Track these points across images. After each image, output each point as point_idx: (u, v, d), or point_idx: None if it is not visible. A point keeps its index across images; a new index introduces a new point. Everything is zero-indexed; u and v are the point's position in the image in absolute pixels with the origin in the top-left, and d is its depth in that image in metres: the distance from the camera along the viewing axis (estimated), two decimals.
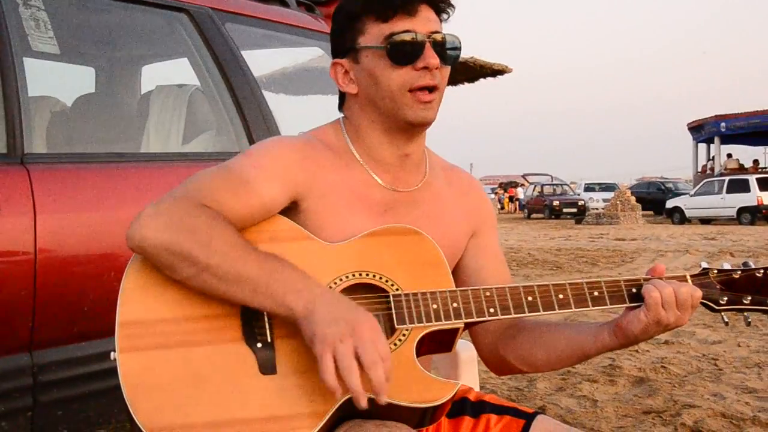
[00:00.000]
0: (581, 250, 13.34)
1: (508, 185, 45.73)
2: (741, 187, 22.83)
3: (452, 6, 1.37)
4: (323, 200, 1.34)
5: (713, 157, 31.67)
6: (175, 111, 2.75)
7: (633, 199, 24.65)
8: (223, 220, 1.23)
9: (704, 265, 1.38)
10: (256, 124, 2.67)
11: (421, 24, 1.32)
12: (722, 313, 1.36)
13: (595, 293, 1.33)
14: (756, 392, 3.96)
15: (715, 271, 1.36)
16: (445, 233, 1.41)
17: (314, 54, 3.38)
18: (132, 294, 1.22)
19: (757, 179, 22.97)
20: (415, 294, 1.28)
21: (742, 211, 22.41)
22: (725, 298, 1.34)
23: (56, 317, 2.05)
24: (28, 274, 1.97)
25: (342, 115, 1.45)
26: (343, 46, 1.38)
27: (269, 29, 3.06)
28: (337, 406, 1.19)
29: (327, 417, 1.19)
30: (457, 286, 1.33)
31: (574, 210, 28.82)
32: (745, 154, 32.65)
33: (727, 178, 24.22)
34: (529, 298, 1.31)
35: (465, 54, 6.60)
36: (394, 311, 1.27)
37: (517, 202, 40.01)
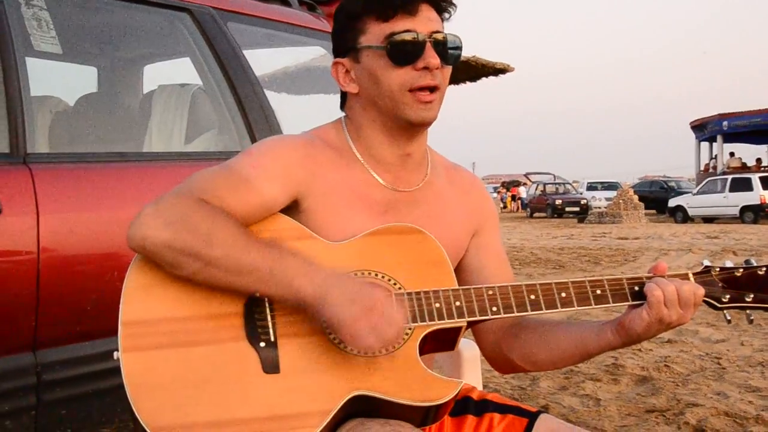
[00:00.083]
0: (584, 249, 13.34)
1: (510, 184, 45.73)
2: (744, 185, 22.79)
3: (453, 5, 1.36)
4: (324, 199, 1.33)
5: (716, 155, 31.59)
6: (177, 110, 2.75)
7: (636, 198, 24.59)
8: (223, 213, 1.22)
9: (706, 263, 1.38)
10: (258, 123, 2.67)
11: (422, 24, 1.31)
12: (725, 311, 1.35)
13: (598, 291, 1.32)
14: (759, 391, 3.96)
15: (718, 269, 1.36)
16: (447, 232, 1.40)
17: (316, 53, 3.38)
18: (135, 293, 1.22)
19: (760, 178, 22.91)
20: (417, 293, 1.28)
21: (744, 209, 22.37)
22: (728, 296, 1.34)
23: (59, 317, 2.05)
24: (31, 274, 1.97)
25: (343, 114, 1.45)
26: (344, 45, 1.38)
27: (271, 28, 3.06)
28: (340, 404, 1.19)
29: (331, 416, 1.19)
30: (459, 285, 1.33)
31: (577, 209, 28.80)
32: (747, 152, 32.63)
33: (729, 177, 24.16)
34: (532, 297, 1.31)
35: (466, 53, 6.59)
36: None
37: (519, 201, 39.98)
